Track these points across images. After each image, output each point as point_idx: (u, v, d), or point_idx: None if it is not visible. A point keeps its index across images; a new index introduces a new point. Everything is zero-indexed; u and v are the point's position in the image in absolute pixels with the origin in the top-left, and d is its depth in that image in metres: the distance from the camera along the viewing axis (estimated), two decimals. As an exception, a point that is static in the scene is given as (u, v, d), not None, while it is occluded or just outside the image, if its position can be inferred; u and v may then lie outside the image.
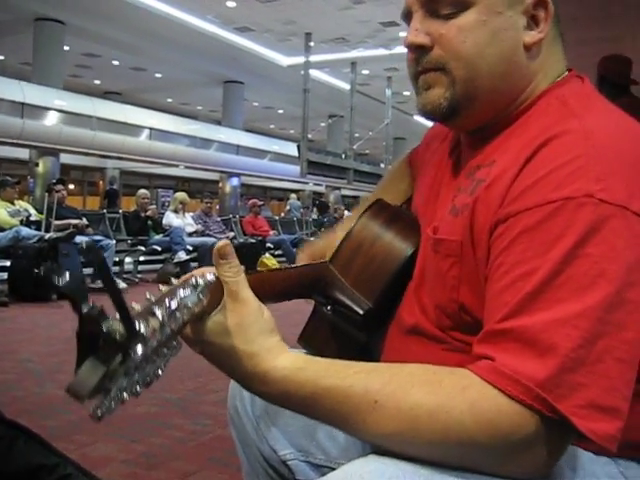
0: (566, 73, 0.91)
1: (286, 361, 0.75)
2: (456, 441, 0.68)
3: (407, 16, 0.91)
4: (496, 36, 0.84)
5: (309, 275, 1.04)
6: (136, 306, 0.67)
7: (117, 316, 0.61)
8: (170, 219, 9.38)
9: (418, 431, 0.69)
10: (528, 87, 0.88)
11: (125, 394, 0.63)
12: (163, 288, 0.77)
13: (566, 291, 0.69)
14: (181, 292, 0.70)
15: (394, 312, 0.99)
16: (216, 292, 0.77)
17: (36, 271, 6.61)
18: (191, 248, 8.97)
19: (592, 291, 0.68)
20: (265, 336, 0.77)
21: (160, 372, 0.69)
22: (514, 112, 0.89)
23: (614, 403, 0.67)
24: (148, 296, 0.71)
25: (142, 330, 0.63)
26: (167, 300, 0.68)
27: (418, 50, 0.88)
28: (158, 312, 0.66)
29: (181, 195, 9.94)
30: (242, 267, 0.79)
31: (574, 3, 6.17)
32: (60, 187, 7.92)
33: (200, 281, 0.74)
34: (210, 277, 0.76)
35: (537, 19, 0.86)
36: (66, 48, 16.25)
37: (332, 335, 1.02)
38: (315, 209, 17.14)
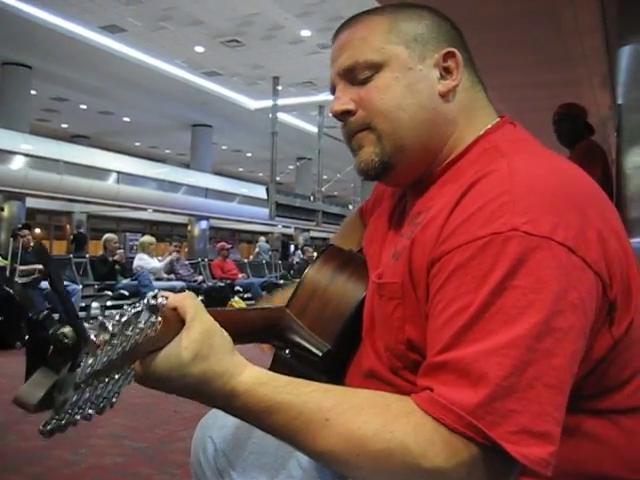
0: (497, 120, 0.96)
1: (249, 376, 0.77)
2: (400, 462, 0.70)
3: (334, 91, 0.98)
4: (411, 89, 0.91)
5: (266, 318, 1.05)
6: (87, 324, 0.67)
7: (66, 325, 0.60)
8: (145, 260, 9.27)
9: (364, 449, 0.72)
10: (453, 134, 0.93)
11: (77, 414, 0.62)
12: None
13: (497, 322, 0.72)
14: (131, 309, 0.70)
15: (353, 355, 1.00)
16: (173, 325, 0.75)
17: (0, 318, 6.47)
18: (159, 292, 8.86)
19: (521, 321, 0.71)
20: (231, 353, 0.79)
21: (114, 399, 0.68)
22: (447, 160, 0.93)
23: (546, 428, 0.69)
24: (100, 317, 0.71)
25: (92, 337, 0.62)
26: (117, 315, 0.68)
27: (344, 116, 0.95)
28: (108, 324, 0.65)
29: (148, 238, 9.87)
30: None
31: (535, 49, 6.35)
32: (26, 232, 7.80)
33: (152, 301, 0.71)
34: (161, 299, 0.73)
35: (449, 69, 0.93)
36: (33, 92, 16.20)
37: None
38: (300, 252, 16.89)
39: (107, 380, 0.66)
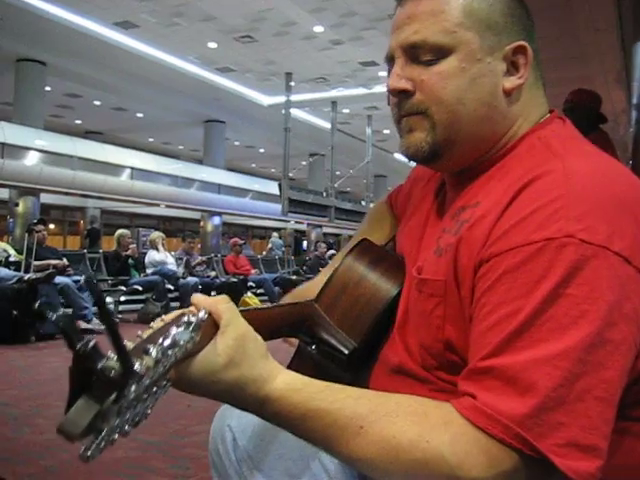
0: (548, 114, 0.93)
1: (283, 382, 0.77)
2: (435, 472, 0.69)
3: (390, 60, 0.93)
4: (475, 82, 0.86)
5: (294, 314, 1.04)
6: (128, 343, 0.65)
7: (111, 353, 0.59)
8: (152, 255, 9.33)
9: (398, 458, 0.71)
10: (509, 131, 0.90)
11: (115, 434, 0.61)
12: (154, 325, 0.75)
13: (547, 331, 0.70)
14: (174, 330, 0.69)
15: (379, 352, 0.99)
16: (207, 329, 0.75)
17: (15, 312, 6.52)
18: (173, 288, 8.92)
19: (573, 331, 0.69)
20: (265, 358, 0.78)
21: (149, 411, 0.67)
22: (497, 154, 0.90)
23: (594, 442, 0.68)
24: (140, 334, 0.69)
25: (137, 368, 0.61)
26: (161, 338, 0.67)
27: (400, 94, 0.90)
28: (152, 350, 0.64)
29: (155, 234, 9.87)
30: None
31: (548, 45, 6.31)
32: (40, 227, 7.83)
33: (192, 319, 0.72)
34: (202, 315, 0.74)
35: (517, 64, 0.88)
36: (47, 88, 16.27)
37: (316, 375, 1.03)
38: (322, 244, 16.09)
39: (146, 397, 0.65)
